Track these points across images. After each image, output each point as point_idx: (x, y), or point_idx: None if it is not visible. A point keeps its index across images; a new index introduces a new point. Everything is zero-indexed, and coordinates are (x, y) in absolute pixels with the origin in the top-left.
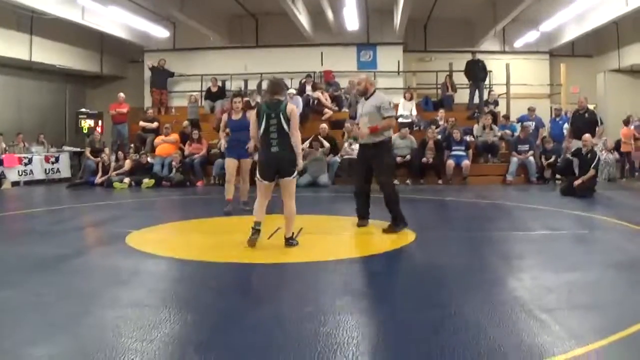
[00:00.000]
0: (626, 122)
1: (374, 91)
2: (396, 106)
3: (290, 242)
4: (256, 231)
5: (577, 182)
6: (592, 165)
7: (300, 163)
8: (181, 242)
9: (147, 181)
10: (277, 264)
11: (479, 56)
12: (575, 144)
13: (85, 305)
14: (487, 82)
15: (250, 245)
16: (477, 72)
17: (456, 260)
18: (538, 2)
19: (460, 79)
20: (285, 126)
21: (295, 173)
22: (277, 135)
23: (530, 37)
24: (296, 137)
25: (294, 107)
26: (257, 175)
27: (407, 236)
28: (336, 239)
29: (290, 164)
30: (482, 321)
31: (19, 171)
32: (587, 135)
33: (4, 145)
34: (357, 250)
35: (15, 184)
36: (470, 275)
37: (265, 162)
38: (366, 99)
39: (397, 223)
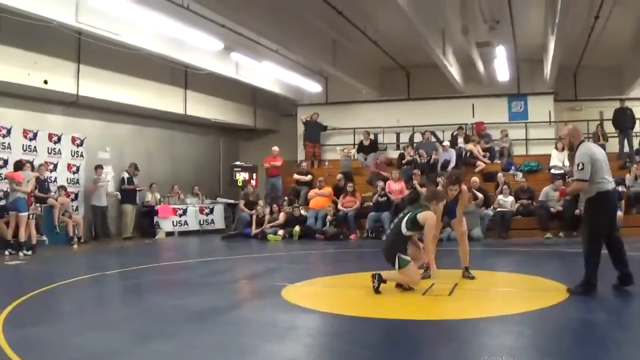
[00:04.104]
0: None
1: (581, 143)
2: (548, 157)
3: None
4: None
5: None
6: None
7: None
8: (337, 296)
9: (296, 230)
10: (431, 321)
11: (629, 103)
12: None
13: (241, 359)
14: (637, 129)
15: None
16: (624, 120)
17: (610, 317)
18: None
19: (610, 127)
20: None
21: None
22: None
23: None
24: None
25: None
26: None
27: (561, 293)
28: (489, 294)
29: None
30: None
31: (173, 222)
32: None
33: (158, 196)
34: (510, 307)
35: (169, 234)
36: (625, 332)
37: None
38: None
39: (581, 284)
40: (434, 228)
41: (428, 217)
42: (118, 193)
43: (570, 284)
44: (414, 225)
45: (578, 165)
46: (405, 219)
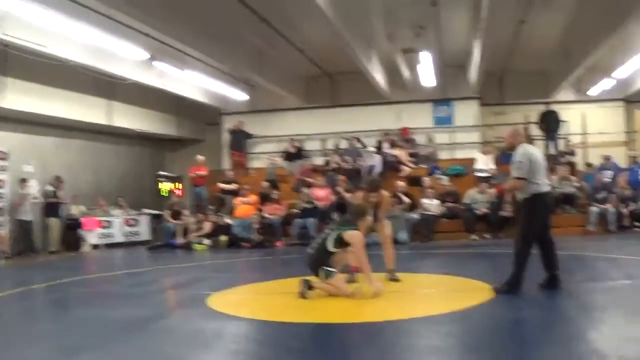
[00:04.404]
0: None
1: (520, 145)
2: (474, 160)
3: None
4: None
5: None
6: None
7: None
8: (262, 303)
9: (222, 239)
10: (357, 324)
11: (554, 106)
12: None
13: None
14: (562, 131)
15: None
16: (550, 123)
17: (535, 315)
18: (612, 50)
19: (536, 130)
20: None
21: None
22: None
23: (604, 84)
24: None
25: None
26: None
27: (487, 292)
28: (415, 296)
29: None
30: None
31: (99, 234)
32: None
33: (83, 208)
34: (436, 308)
35: (95, 247)
36: (549, 330)
37: None
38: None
39: (507, 282)
40: (362, 248)
41: (354, 237)
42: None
43: (497, 284)
44: (340, 243)
45: (517, 163)
46: (331, 236)
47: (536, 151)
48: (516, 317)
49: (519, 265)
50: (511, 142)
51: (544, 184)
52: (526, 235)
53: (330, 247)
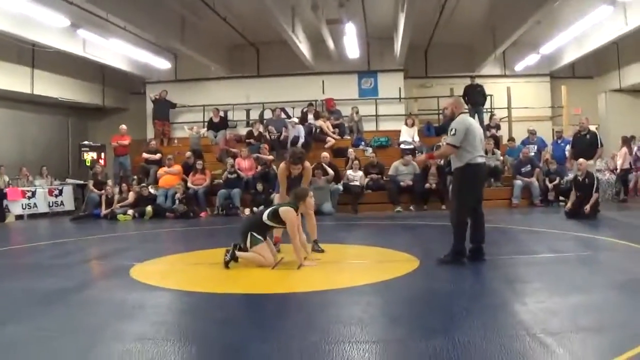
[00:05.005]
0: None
1: (460, 114)
2: (398, 132)
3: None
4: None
5: (586, 210)
6: (595, 190)
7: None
8: (185, 273)
9: (148, 210)
10: (281, 294)
11: (480, 80)
12: (577, 166)
13: (90, 339)
14: (488, 106)
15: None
16: (475, 97)
17: (459, 286)
18: (537, 25)
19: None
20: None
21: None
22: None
23: (530, 60)
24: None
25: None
26: None
27: (411, 263)
28: (340, 267)
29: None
30: (486, 347)
31: (22, 204)
32: (581, 160)
33: (7, 179)
34: (360, 279)
35: (19, 217)
36: (473, 301)
37: None
38: None
39: (450, 253)
40: (295, 225)
41: (287, 214)
42: None
43: (421, 255)
44: (275, 217)
45: (451, 130)
46: (269, 210)
47: (475, 123)
48: (440, 288)
49: (458, 236)
50: (452, 111)
51: (479, 155)
52: (461, 206)
53: (265, 218)
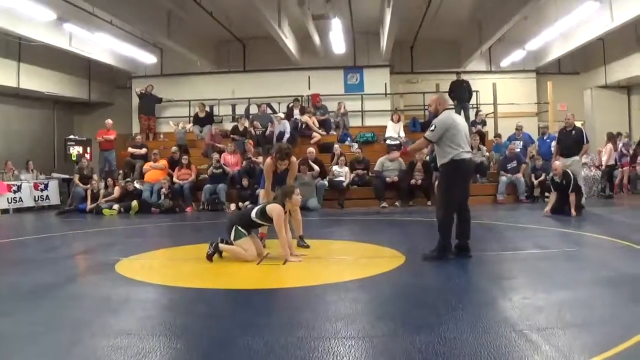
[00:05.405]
0: (610, 138)
1: (445, 111)
2: (384, 128)
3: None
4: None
5: (573, 215)
6: (570, 190)
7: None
8: (171, 269)
9: (134, 205)
10: (267, 290)
11: (466, 76)
12: (563, 162)
13: (76, 334)
14: (474, 102)
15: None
16: (461, 93)
17: (445, 282)
18: (523, 21)
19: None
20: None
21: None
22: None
23: (516, 56)
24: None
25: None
26: None
27: (397, 259)
28: (325, 262)
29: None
30: (472, 343)
31: (8, 199)
32: (556, 164)
33: None
34: (346, 274)
35: (4, 211)
36: (459, 297)
37: None
38: None
39: (436, 249)
40: (281, 221)
41: (274, 209)
42: None
43: (407, 251)
44: (263, 215)
45: (432, 126)
46: (257, 207)
47: (460, 119)
48: (425, 285)
49: (444, 232)
50: (436, 108)
51: (464, 150)
52: (447, 202)
53: (253, 216)
